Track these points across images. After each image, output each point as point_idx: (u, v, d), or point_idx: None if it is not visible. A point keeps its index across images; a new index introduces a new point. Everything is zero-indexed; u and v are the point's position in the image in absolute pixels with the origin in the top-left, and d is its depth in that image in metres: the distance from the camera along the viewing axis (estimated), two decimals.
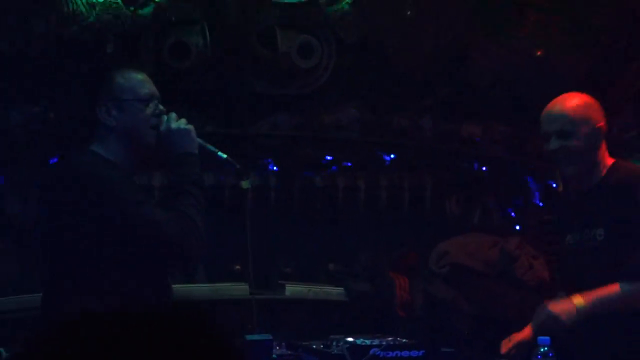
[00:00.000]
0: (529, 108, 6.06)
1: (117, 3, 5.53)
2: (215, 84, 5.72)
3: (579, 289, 4.06)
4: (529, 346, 3.91)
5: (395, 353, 3.90)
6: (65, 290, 3.63)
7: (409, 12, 5.89)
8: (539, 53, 6.05)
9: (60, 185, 3.67)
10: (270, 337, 3.83)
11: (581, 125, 4.03)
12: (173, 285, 5.33)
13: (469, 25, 5.95)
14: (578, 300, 3.91)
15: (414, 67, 5.95)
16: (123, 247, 3.59)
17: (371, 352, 3.88)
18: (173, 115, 3.85)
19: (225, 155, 4.04)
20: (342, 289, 5.77)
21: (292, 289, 5.71)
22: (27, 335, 3.33)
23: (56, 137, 5.34)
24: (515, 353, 4.05)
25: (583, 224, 4.10)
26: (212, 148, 4.00)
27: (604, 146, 4.10)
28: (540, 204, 6.12)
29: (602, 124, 4.07)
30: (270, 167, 5.86)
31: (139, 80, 3.81)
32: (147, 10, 5.59)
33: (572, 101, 4.10)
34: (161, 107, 3.83)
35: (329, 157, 5.93)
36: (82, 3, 5.47)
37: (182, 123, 3.83)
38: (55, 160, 5.18)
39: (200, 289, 5.55)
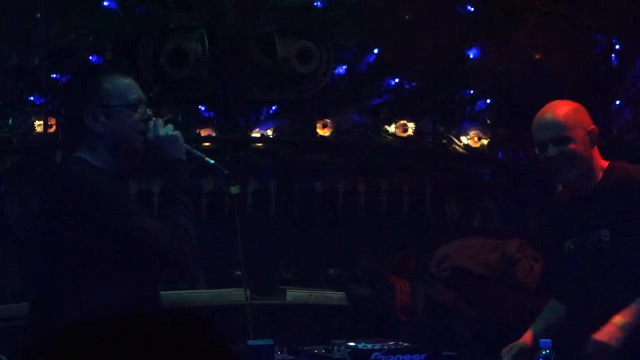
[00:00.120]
0: (528, 111, 6.08)
1: (116, 10, 5.54)
2: (214, 90, 5.73)
3: (582, 294, 4.07)
4: (530, 352, 3.92)
5: (396, 357, 3.90)
6: (55, 300, 3.60)
7: (407, 17, 5.89)
8: (537, 56, 6.05)
9: (50, 195, 3.64)
10: (272, 342, 3.83)
11: (576, 129, 4.06)
12: (174, 292, 5.35)
13: (467, 29, 5.96)
14: (618, 319, 3.91)
15: (412, 71, 5.95)
16: (114, 258, 3.56)
17: (373, 356, 3.88)
18: (160, 121, 3.79)
19: (212, 161, 4.02)
20: (343, 293, 5.77)
21: (293, 294, 5.71)
22: (25, 343, 3.33)
23: (57, 145, 5.35)
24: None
25: (585, 228, 4.10)
26: (199, 154, 3.98)
27: (597, 149, 4.13)
28: (540, 206, 6.11)
29: (593, 127, 4.11)
30: (270, 173, 5.86)
31: (126, 85, 3.75)
32: (146, 17, 5.59)
33: (562, 108, 4.13)
34: (149, 111, 3.79)
35: (328, 162, 5.93)
36: (81, 10, 5.48)
37: (170, 129, 3.78)
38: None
39: (200, 295, 5.55)
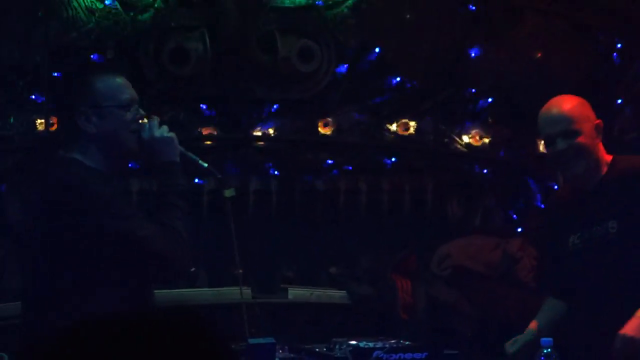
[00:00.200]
0: (529, 110, 6.08)
1: (117, 9, 5.54)
2: (215, 89, 5.73)
3: (587, 289, 4.07)
4: (534, 347, 3.91)
5: (398, 355, 3.90)
6: (49, 301, 3.59)
7: (408, 16, 5.89)
8: (539, 55, 6.05)
9: (46, 197, 3.63)
10: (273, 341, 3.83)
11: (583, 123, 4.09)
12: (176, 291, 5.35)
13: (468, 29, 5.96)
14: None
15: (413, 70, 5.96)
16: (109, 260, 3.55)
17: (374, 354, 3.88)
18: (155, 122, 3.78)
19: (206, 164, 4.01)
20: (344, 292, 5.77)
21: (294, 293, 5.71)
22: (19, 342, 3.32)
23: (58, 143, 5.34)
24: (520, 355, 4.05)
25: (591, 221, 4.12)
26: (193, 157, 3.96)
27: (601, 144, 4.15)
28: (542, 205, 6.12)
29: (598, 120, 4.13)
30: (271, 172, 5.87)
31: (118, 85, 3.72)
32: (147, 15, 5.60)
33: (569, 102, 4.16)
34: (141, 111, 3.78)
35: (329, 161, 5.93)
36: (82, 9, 5.48)
37: (165, 131, 3.77)
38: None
39: (201, 293, 5.56)
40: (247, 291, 5.61)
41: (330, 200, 5.89)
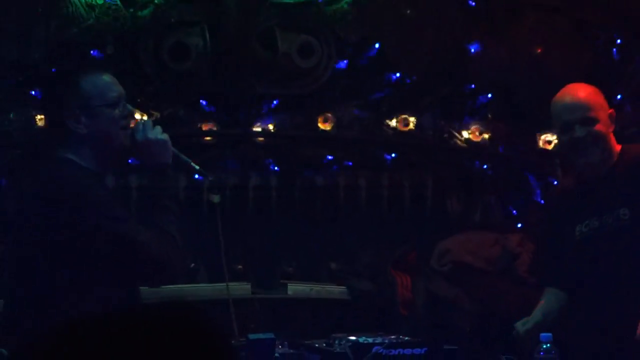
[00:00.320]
0: (529, 105, 6.09)
1: (117, 5, 5.54)
2: (215, 85, 5.73)
3: (595, 278, 4.07)
4: (542, 328, 3.91)
5: (397, 351, 3.90)
6: (38, 299, 3.58)
7: (408, 12, 5.90)
8: (538, 51, 6.05)
9: (40, 196, 3.62)
10: (273, 336, 3.83)
11: (600, 111, 4.10)
12: (176, 287, 5.35)
13: (468, 24, 5.96)
14: None
15: (413, 66, 5.96)
16: (102, 263, 3.55)
17: (374, 350, 3.88)
18: (149, 123, 3.77)
19: (197, 167, 4.01)
20: (344, 287, 5.78)
21: (294, 288, 5.71)
22: (23, 337, 3.32)
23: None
24: (532, 334, 3.99)
25: (602, 209, 4.11)
26: (185, 158, 3.95)
27: (612, 133, 4.17)
28: (541, 201, 6.12)
29: (611, 110, 4.14)
30: (271, 167, 5.87)
31: (105, 83, 3.70)
32: (147, 11, 5.60)
33: (586, 89, 4.16)
34: (129, 107, 3.77)
35: (329, 157, 5.93)
36: (82, 5, 5.48)
37: (159, 132, 3.75)
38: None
39: (201, 289, 5.56)
40: (245, 286, 5.62)
41: (330, 196, 5.89)
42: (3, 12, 5.42)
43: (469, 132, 6.11)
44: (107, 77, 3.73)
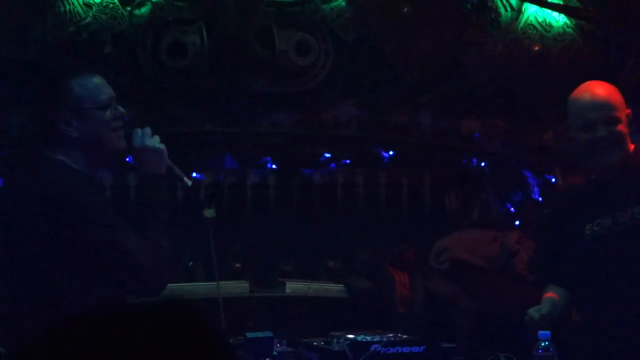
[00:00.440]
0: (527, 102, 6.09)
1: (114, 3, 5.54)
2: (213, 83, 5.73)
3: (607, 274, 4.05)
4: (552, 318, 3.90)
5: (395, 349, 3.90)
6: (26, 307, 3.58)
7: (405, 9, 5.89)
8: (536, 48, 6.05)
9: (31, 198, 3.61)
10: (271, 334, 3.83)
11: (622, 111, 4.07)
12: (175, 285, 5.35)
13: (466, 22, 5.95)
14: None
15: (411, 64, 5.95)
16: (89, 268, 3.54)
17: (372, 348, 3.88)
18: (148, 131, 3.77)
19: (190, 182, 4.00)
20: (342, 285, 5.77)
21: (292, 287, 5.71)
22: (22, 335, 3.32)
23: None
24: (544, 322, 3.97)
25: (614, 208, 4.08)
26: (179, 173, 3.94)
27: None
28: (539, 198, 6.12)
29: (628, 110, 4.12)
30: (269, 165, 5.87)
31: (96, 85, 3.69)
32: (144, 10, 5.60)
33: (608, 88, 4.14)
34: (120, 108, 3.76)
35: (327, 155, 5.93)
36: (79, 3, 5.48)
37: (156, 141, 3.76)
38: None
39: (199, 287, 5.56)
40: (243, 285, 5.62)
41: (328, 194, 5.89)
42: (0, 10, 5.41)
43: (467, 129, 6.11)
44: (97, 79, 3.71)
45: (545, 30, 5.95)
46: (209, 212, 4.17)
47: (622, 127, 4.05)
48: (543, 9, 6.01)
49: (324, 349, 3.96)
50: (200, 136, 5.79)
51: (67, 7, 5.48)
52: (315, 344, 4.04)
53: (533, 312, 4.00)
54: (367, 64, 5.92)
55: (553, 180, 6.02)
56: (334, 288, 5.78)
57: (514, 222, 6.15)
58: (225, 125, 5.82)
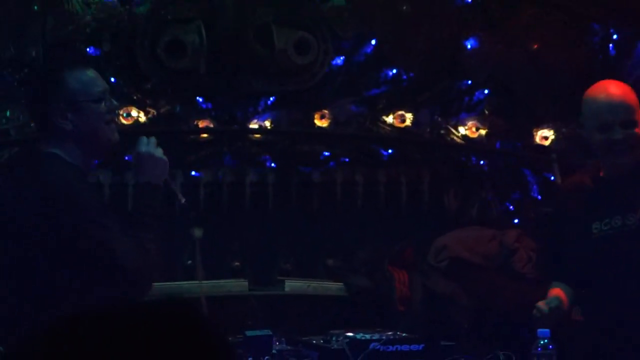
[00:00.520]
0: (526, 101, 6.09)
1: (113, 2, 5.54)
2: (212, 81, 5.73)
3: (615, 274, 4.04)
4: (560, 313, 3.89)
5: (395, 347, 3.91)
6: (17, 304, 3.59)
7: (404, 8, 5.89)
8: (535, 46, 6.05)
9: (24, 193, 3.62)
10: (270, 333, 3.83)
11: (638, 112, 4.03)
12: (174, 283, 5.36)
13: (464, 20, 5.96)
14: None
15: (410, 62, 5.96)
16: (78, 266, 3.55)
17: (371, 346, 3.89)
18: (154, 140, 3.79)
19: (184, 200, 4.02)
20: (341, 284, 5.78)
21: (291, 285, 5.71)
22: (21, 334, 3.33)
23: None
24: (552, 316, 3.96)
25: (624, 208, 4.05)
26: (175, 189, 3.96)
27: None
28: (538, 196, 6.12)
29: None
30: (268, 164, 5.87)
31: (90, 79, 3.71)
32: (143, 8, 5.60)
33: (624, 88, 4.11)
34: (114, 101, 3.78)
35: (326, 153, 5.94)
36: (78, 2, 5.48)
37: (161, 152, 3.78)
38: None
39: (198, 285, 5.55)
40: (243, 283, 5.62)
41: (327, 192, 5.89)
42: None
43: (466, 128, 6.11)
44: (91, 73, 3.74)
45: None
46: (197, 232, 4.19)
47: (638, 130, 4.02)
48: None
49: (323, 347, 3.97)
50: (199, 134, 5.79)
51: (66, 5, 5.48)
52: (314, 342, 4.04)
53: (542, 305, 3.97)
54: (365, 62, 5.92)
55: (552, 178, 6.02)
56: (333, 286, 5.78)
57: (513, 220, 6.16)
58: (224, 123, 5.82)
